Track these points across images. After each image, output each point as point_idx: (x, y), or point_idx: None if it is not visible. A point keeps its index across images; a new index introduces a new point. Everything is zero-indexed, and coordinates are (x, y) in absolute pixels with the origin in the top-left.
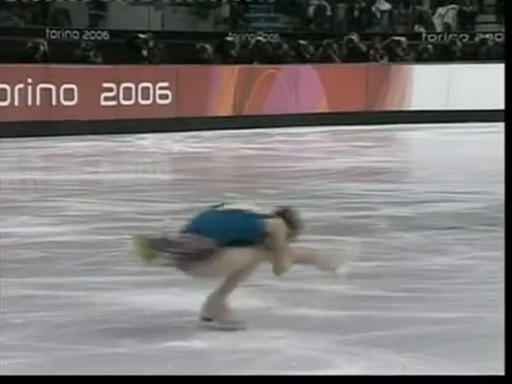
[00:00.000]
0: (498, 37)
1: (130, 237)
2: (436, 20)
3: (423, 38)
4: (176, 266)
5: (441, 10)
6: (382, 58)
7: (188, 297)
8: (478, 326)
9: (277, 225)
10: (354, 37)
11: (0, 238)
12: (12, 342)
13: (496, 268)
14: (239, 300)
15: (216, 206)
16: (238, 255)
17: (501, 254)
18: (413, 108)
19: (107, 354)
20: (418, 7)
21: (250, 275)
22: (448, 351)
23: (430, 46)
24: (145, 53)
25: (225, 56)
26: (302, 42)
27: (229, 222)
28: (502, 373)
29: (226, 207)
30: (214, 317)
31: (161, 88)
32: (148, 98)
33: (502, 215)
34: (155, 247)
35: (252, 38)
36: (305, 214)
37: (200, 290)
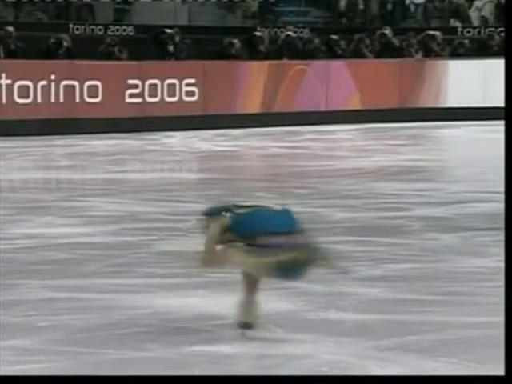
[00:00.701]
0: None
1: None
2: (473, 13)
3: (459, 33)
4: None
5: (478, 2)
6: (416, 53)
7: (216, 300)
8: None
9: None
10: (387, 31)
11: (24, 239)
12: (36, 346)
13: None
14: (269, 304)
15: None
16: None
17: None
18: (448, 105)
19: (133, 359)
20: (454, 0)
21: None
22: (483, 357)
23: (466, 41)
24: (171, 48)
25: (253, 51)
26: (334, 36)
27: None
28: None
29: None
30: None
31: (187, 85)
32: (174, 95)
33: None
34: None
35: (281, 32)
36: (337, 215)
37: (227, 292)
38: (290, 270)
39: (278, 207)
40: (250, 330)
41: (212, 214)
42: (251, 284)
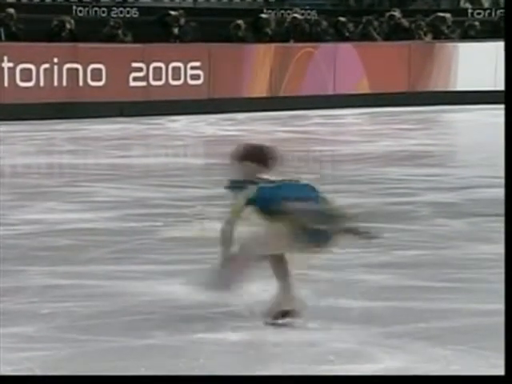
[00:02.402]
0: None
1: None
2: None
3: (469, 14)
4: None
5: None
6: (425, 35)
7: None
8: None
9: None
10: (396, 13)
11: (26, 224)
12: (40, 334)
13: None
14: (275, 291)
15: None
16: None
17: None
18: (458, 88)
19: (137, 346)
20: None
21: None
22: (493, 344)
23: (476, 23)
24: (176, 31)
25: (260, 34)
26: (341, 18)
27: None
28: None
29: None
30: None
31: (192, 68)
32: (179, 79)
33: None
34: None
35: (288, 14)
36: (345, 200)
37: None
38: (317, 234)
39: (304, 181)
40: (294, 318)
41: (235, 186)
42: (281, 267)
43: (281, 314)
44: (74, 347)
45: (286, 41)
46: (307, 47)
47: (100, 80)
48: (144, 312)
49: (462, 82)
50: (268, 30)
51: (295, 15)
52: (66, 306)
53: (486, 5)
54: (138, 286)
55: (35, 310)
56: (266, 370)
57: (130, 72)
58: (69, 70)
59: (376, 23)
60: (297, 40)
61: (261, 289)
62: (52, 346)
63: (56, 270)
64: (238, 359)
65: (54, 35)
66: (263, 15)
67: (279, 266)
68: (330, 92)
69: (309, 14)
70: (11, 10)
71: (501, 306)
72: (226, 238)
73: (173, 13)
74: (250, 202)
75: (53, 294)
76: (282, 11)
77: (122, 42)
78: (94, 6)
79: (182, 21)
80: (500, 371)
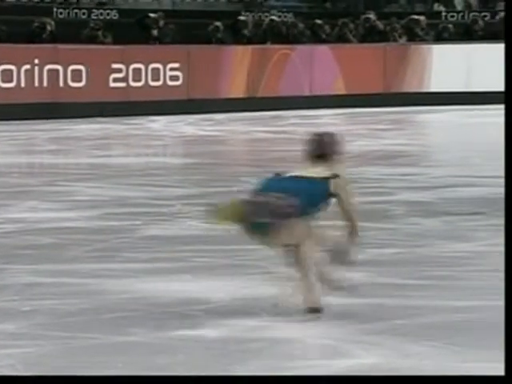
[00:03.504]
0: None
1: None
2: None
3: (443, 17)
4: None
5: None
6: (400, 37)
7: (200, 284)
8: (497, 315)
9: (338, 183)
10: (372, 16)
11: (8, 223)
12: (21, 331)
13: None
14: (255, 288)
15: (277, 174)
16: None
17: None
18: (432, 89)
19: (117, 343)
20: None
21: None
22: (467, 340)
23: (450, 25)
24: (155, 33)
25: (238, 36)
26: (318, 21)
27: (301, 185)
28: None
29: (290, 174)
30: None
31: (171, 69)
32: (158, 80)
33: None
34: (249, 209)
35: (266, 17)
36: None
37: (212, 277)
38: (254, 226)
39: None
40: (320, 313)
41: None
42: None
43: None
44: (55, 344)
45: (264, 43)
46: (284, 49)
47: (80, 81)
48: (124, 309)
49: (436, 84)
50: (246, 32)
51: (272, 18)
52: (47, 304)
53: (459, 8)
54: (118, 283)
55: (17, 308)
56: (245, 365)
57: (110, 73)
58: (49, 70)
59: (352, 26)
60: (274, 42)
61: (240, 286)
62: (33, 343)
63: (38, 268)
64: (216, 356)
65: (34, 37)
66: (241, 17)
67: (297, 260)
68: (307, 93)
69: (286, 17)
70: None
71: (475, 302)
72: None
73: (152, 15)
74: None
75: (34, 292)
76: (260, 14)
77: (102, 43)
78: (74, 8)
79: (162, 23)
80: (471, 366)
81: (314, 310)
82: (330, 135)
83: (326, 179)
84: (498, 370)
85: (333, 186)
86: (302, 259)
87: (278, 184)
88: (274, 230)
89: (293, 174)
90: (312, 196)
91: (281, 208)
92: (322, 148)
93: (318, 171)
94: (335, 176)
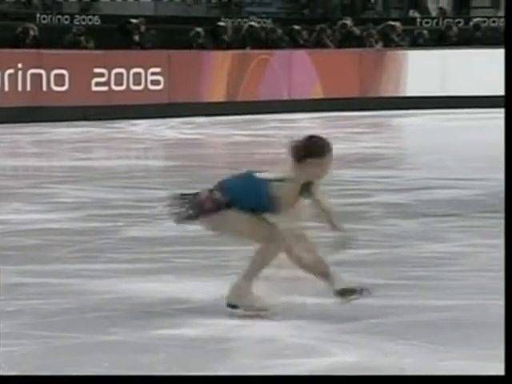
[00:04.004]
0: (493, 21)
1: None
2: (431, 5)
3: (418, 23)
4: (189, 216)
5: None
6: (376, 43)
7: (181, 284)
8: (474, 314)
9: (287, 189)
10: (348, 22)
11: None
12: (4, 330)
13: (493, 255)
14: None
15: (248, 172)
16: (237, 216)
17: (499, 241)
18: (408, 94)
19: (100, 342)
20: None
21: (271, 261)
22: (444, 339)
23: (424, 31)
24: (137, 38)
25: (217, 41)
26: (296, 27)
27: (246, 186)
28: (497, 362)
29: (253, 174)
30: (239, 303)
31: (153, 73)
32: (140, 84)
33: (500, 202)
34: (184, 200)
35: (245, 23)
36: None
37: (193, 277)
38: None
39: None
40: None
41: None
42: (254, 269)
43: (228, 305)
44: (39, 343)
45: (243, 48)
46: (263, 54)
47: (63, 85)
48: (106, 309)
49: (412, 88)
50: (226, 38)
51: (251, 23)
52: (31, 304)
53: (434, 14)
54: (100, 283)
55: (1, 308)
56: (224, 364)
57: (93, 77)
58: (33, 75)
59: (329, 31)
60: (253, 47)
61: (220, 286)
62: (17, 343)
63: (21, 269)
64: (196, 354)
65: (18, 42)
66: (221, 23)
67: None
68: (286, 97)
69: (265, 23)
70: None
71: (451, 301)
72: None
73: (134, 20)
74: None
75: (18, 292)
76: (239, 19)
77: (85, 48)
78: (57, 14)
79: (143, 28)
80: (450, 364)
81: (233, 306)
82: (305, 139)
83: (268, 180)
84: (477, 367)
85: (274, 188)
86: (253, 256)
87: (228, 181)
88: (198, 220)
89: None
90: (247, 194)
91: (201, 201)
92: (293, 151)
93: (279, 172)
94: (280, 179)
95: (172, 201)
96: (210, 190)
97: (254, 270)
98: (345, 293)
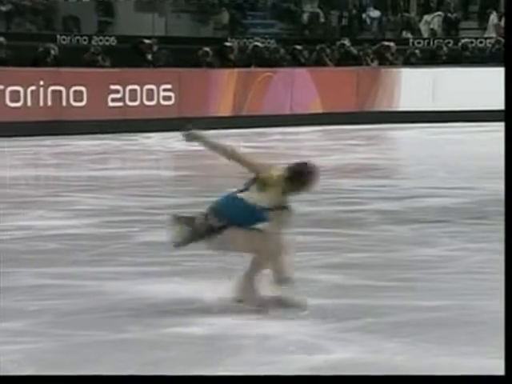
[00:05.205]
0: (481, 42)
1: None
2: (422, 26)
3: (411, 43)
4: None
5: (427, 17)
6: (372, 61)
7: (190, 286)
8: (463, 313)
9: (275, 217)
10: (346, 42)
11: (16, 230)
12: (27, 328)
13: (480, 258)
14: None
15: (237, 191)
16: (233, 234)
17: (486, 245)
18: (401, 108)
19: (115, 340)
20: (406, 14)
21: (267, 260)
22: (436, 337)
23: (417, 51)
24: (149, 57)
25: (224, 60)
26: (297, 46)
27: (237, 209)
28: (484, 358)
29: (240, 195)
30: (243, 299)
31: (164, 90)
32: (152, 99)
33: (487, 209)
34: (185, 223)
35: (250, 43)
36: (301, 209)
37: (201, 279)
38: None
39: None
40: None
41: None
42: (254, 268)
43: (233, 300)
44: (57, 341)
45: (248, 66)
46: (267, 72)
47: (81, 101)
48: (121, 309)
49: (404, 103)
50: (232, 57)
51: (256, 43)
52: (51, 304)
53: (425, 35)
54: (115, 285)
55: (24, 308)
56: (232, 360)
57: (109, 94)
58: (53, 91)
59: (328, 51)
60: (258, 65)
61: (227, 287)
62: (38, 340)
63: (43, 271)
64: (206, 351)
65: (39, 61)
66: (227, 43)
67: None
68: (288, 111)
69: (268, 43)
70: (1, 39)
71: (441, 302)
72: None
73: (147, 41)
74: None
75: (40, 293)
76: (245, 40)
77: (102, 66)
78: (76, 35)
79: (155, 48)
80: (442, 360)
81: (238, 301)
82: (301, 165)
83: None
84: (465, 363)
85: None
86: (252, 261)
87: (220, 205)
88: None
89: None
90: (239, 213)
91: (201, 225)
92: (288, 171)
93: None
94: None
95: (171, 223)
96: (205, 216)
97: (253, 271)
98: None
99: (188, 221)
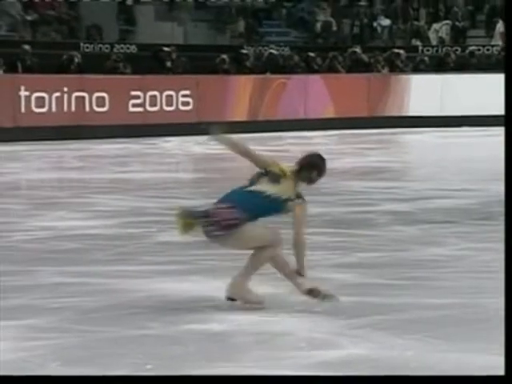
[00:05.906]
0: (487, 50)
1: (174, 209)
2: (431, 34)
3: (420, 51)
4: (206, 234)
5: (436, 25)
6: (382, 68)
7: (207, 284)
8: (471, 311)
9: (299, 208)
10: (358, 49)
11: (40, 230)
12: (50, 325)
13: (487, 258)
14: (254, 287)
15: (245, 186)
16: (259, 230)
17: (492, 245)
18: (410, 113)
19: (135, 336)
20: (415, 23)
21: (269, 259)
22: (444, 334)
23: (426, 58)
24: (169, 64)
25: (240, 67)
26: (311, 54)
27: (256, 201)
28: (491, 355)
29: (254, 188)
30: (238, 297)
31: (183, 96)
32: (172, 105)
33: (493, 210)
34: (194, 218)
35: (265, 50)
36: (314, 210)
37: (218, 277)
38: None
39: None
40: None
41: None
42: (253, 266)
43: (227, 298)
44: (79, 337)
45: (264, 73)
46: (282, 78)
47: (104, 106)
48: (140, 306)
49: (414, 108)
50: (248, 64)
51: (271, 51)
52: (73, 301)
53: (434, 43)
54: (135, 283)
55: (47, 305)
56: (247, 355)
57: (130, 99)
58: (77, 97)
59: (340, 58)
60: (273, 72)
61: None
62: (61, 336)
63: (65, 270)
64: (223, 346)
65: (64, 68)
66: (243, 51)
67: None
68: (302, 116)
69: (283, 50)
70: (27, 47)
71: (449, 300)
72: None
73: (166, 49)
74: None
75: (62, 291)
76: (260, 47)
77: (123, 73)
78: (98, 43)
79: (174, 55)
80: (451, 356)
81: (231, 299)
82: (314, 156)
83: (289, 200)
84: (474, 359)
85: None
86: (255, 256)
87: (237, 197)
88: (219, 237)
89: (257, 187)
90: (257, 205)
91: (219, 218)
92: (301, 160)
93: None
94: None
95: (182, 215)
96: (228, 208)
97: (250, 270)
98: (311, 293)
99: (198, 214)
